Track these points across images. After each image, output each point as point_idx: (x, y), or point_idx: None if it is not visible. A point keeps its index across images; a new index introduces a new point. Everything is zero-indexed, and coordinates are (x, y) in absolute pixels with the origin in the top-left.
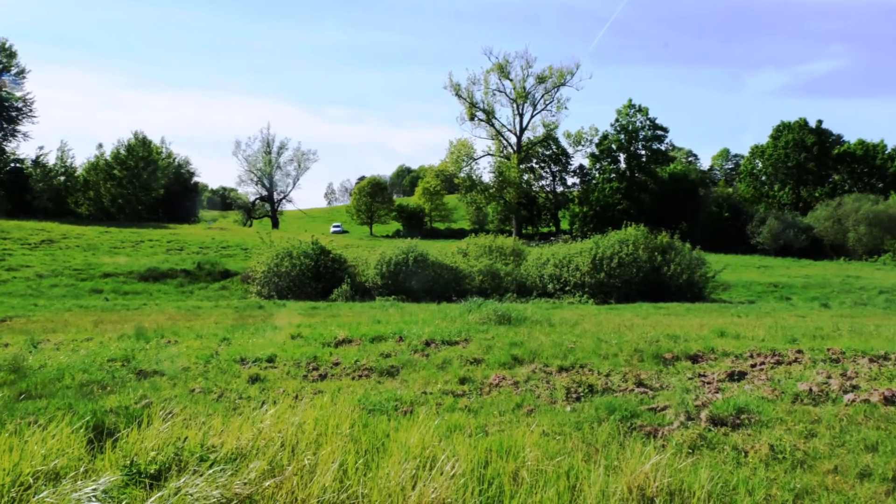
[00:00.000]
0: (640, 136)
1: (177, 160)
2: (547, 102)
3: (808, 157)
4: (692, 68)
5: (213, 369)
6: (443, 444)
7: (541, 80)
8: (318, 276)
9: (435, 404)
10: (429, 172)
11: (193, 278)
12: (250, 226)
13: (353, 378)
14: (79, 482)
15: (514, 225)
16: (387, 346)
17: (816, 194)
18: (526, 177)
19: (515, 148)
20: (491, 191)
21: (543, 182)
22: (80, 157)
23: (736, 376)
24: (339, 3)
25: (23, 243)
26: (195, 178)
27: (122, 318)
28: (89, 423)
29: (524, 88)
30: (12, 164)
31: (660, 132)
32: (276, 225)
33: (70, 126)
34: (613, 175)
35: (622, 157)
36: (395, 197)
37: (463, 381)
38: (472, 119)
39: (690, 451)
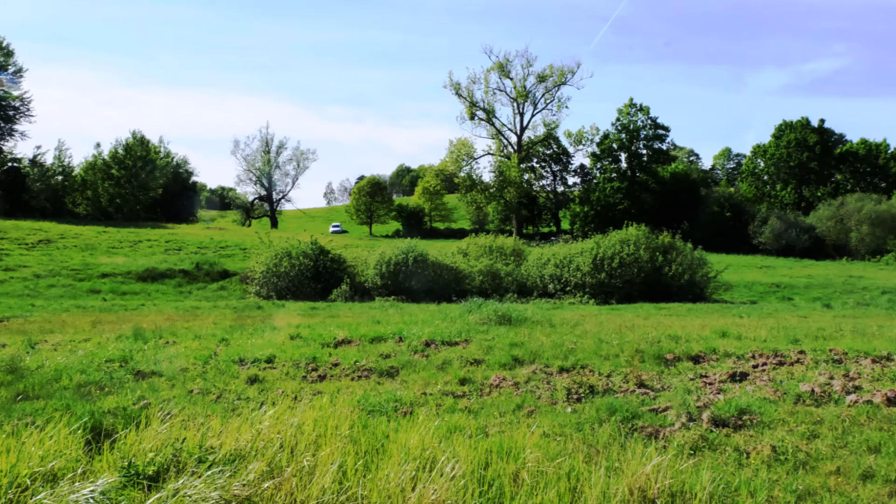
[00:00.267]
0: (642, 136)
1: (175, 159)
2: (547, 101)
3: (810, 156)
4: (694, 67)
5: (212, 370)
6: (443, 446)
7: (541, 78)
8: (317, 277)
9: (435, 405)
10: (429, 172)
11: (192, 278)
12: (249, 226)
13: (352, 379)
14: (76, 483)
15: (515, 225)
16: (386, 347)
17: (819, 194)
18: (526, 176)
19: (516, 147)
20: (491, 190)
21: (544, 181)
22: (78, 157)
23: (738, 377)
24: (339, 2)
25: (20, 243)
26: (194, 178)
27: (120, 319)
28: (87, 424)
29: (525, 87)
30: (9, 164)
31: (661, 131)
32: (274, 225)
33: (68, 125)
34: (614, 174)
35: (623, 156)
36: (394, 196)
37: (463, 381)
38: (472, 118)
39: (692, 452)
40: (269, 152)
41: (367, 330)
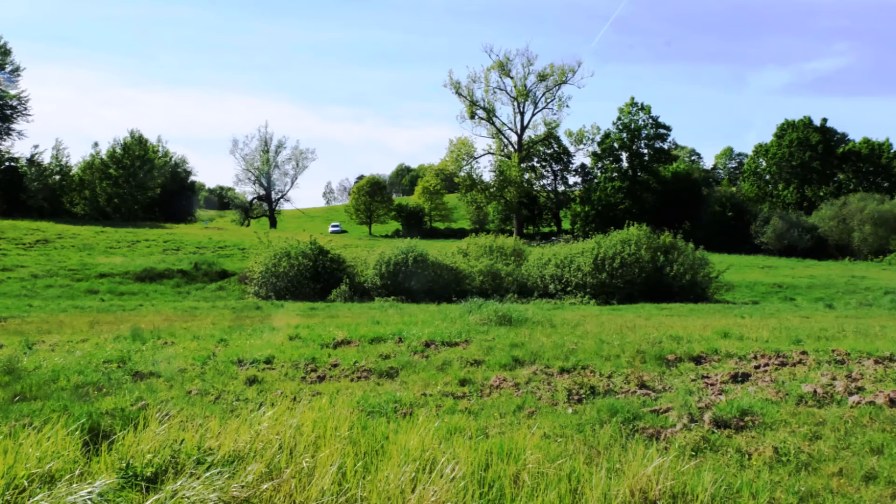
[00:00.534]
0: (643, 135)
1: (173, 159)
2: (548, 101)
3: (812, 155)
4: (695, 66)
5: (211, 371)
6: (443, 447)
7: (542, 77)
8: (316, 277)
9: (435, 406)
10: (428, 171)
11: (190, 279)
12: (248, 225)
13: (351, 380)
14: (74, 485)
15: (515, 224)
16: (386, 348)
17: (821, 193)
18: (527, 176)
19: (516, 146)
20: (491, 190)
21: (545, 181)
22: (76, 156)
23: (739, 378)
24: (339, 2)
25: (17, 243)
26: (192, 178)
27: (118, 319)
28: (85, 425)
29: (525, 86)
30: (7, 163)
31: (662, 131)
32: (273, 224)
33: (65, 125)
34: (615, 174)
35: (624, 155)
36: (394, 196)
37: (463, 382)
38: (472, 117)
39: (693, 453)
40: (267, 152)
41: (366, 330)
